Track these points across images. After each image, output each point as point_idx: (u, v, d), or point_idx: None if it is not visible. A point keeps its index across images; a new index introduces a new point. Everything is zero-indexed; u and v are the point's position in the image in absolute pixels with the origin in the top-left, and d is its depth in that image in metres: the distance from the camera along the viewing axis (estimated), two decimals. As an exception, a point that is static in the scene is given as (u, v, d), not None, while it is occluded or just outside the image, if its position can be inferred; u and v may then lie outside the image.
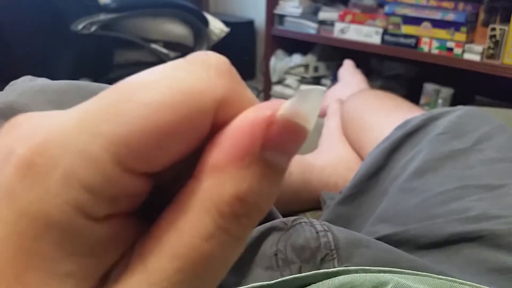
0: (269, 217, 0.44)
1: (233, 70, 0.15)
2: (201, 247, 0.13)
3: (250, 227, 0.13)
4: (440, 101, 1.93)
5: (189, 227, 0.13)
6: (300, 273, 0.35)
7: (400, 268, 0.35)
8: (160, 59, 1.78)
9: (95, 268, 0.13)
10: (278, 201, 0.65)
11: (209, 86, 0.13)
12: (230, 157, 0.13)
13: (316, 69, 2.30)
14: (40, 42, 1.55)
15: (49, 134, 0.13)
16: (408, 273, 0.31)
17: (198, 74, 0.14)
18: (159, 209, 0.14)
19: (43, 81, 0.47)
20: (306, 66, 2.29)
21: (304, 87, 0.14)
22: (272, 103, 0.13)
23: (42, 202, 0.12)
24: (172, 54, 1.82)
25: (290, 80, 2.32)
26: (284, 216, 0.71)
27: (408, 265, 0.35)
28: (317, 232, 0.38)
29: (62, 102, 0.41)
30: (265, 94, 2.45)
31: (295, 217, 0.40)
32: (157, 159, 0.13)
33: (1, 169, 0.13)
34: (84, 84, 0.46)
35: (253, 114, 0.13)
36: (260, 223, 0.39)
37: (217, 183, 0.13)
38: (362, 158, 0.77)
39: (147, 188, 0.14)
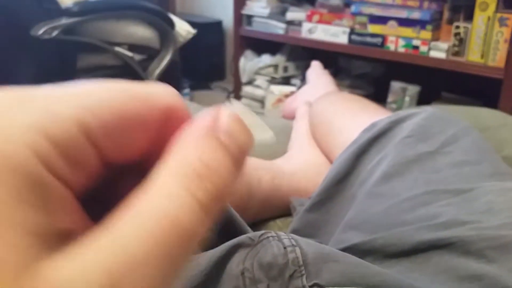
0: (237, 232, 0.43)
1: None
2: (167, 208, 0.13)
3: (215, 198, 0.14)
4: (407, 98, 1.96)
5: (156, 189, 0.14)
6: (267, 291, 0.34)
7: (370, 282, 0.34)
8: (125, 62, 1.74)
9: (49, 225, 0.12)
10: (249, 208, 0.64)
11: (159, 94, 0.16)
12: (191, 131, 0.15)
13: (285, 69, 2.30)
14: (-1, 48, 1.49)
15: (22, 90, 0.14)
16: (377, 290, 0.30)
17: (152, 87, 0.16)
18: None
19: None
20: (275, 66, 2.28)
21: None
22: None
23: (5, 142, 0.12)
24: (137, 56, 1.79)
25: (260, 80, 2.31)
26: (254, 223, 0.70)
27: (377, 278, 0.35)
28: (284, 248, 0.36)
29: None
30: (235, 94, 2.44)
31: (262, 232, 0.39)
32: (118, 142, 0.15)
33: None
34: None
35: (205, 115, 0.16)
36: (227, 239, 0.38)
37: (181, 151, 0.15)
38: (331, 162, 0.76)
39: (102, 172, 0.15)
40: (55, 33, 1.47)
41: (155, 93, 0.16)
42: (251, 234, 0.39)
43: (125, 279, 0.12)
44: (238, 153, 0.15)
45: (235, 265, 0.36)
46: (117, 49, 1.69)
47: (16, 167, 0.12)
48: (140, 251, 0.12)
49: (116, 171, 0.16)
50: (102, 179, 0.15)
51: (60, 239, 0.13)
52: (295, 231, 0.59)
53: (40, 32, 1.44)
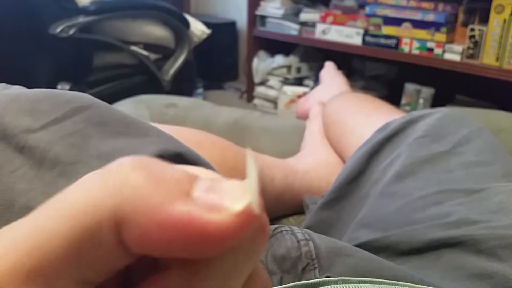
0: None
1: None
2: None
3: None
4: (421, 101, 1.95)
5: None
6: (281, 283, 0.35)
7: (382, 277, 0.35)
8: (141, 62, 1.76)
9: None
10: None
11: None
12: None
13: (298, 70, 2.30)
14: (17, 46, 1.52)
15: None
16: (389, 283, 0.31)
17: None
18: None
19: (17, 89, 0.46)
20: (288, 67, 2.29)
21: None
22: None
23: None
24: (153, 56, 1.81)
25: (273, 81, 2.32)
26: (268, 220, 0.70)
27: (389, 273, 0.35)
28: (298, 241, 0.37)
29: (36, 111, 0.40)
30: (248, 95, 2.45)
31: (276, 226, 0.40)
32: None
33: None
34: (60, 92, 0.45)
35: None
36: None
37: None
38: (344, 161, 0.77)
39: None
40: (72, 31, 1.49)
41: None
42: (265, 228, 0.39)
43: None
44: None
45: (249, 257, 0.36)
46: (133, 48, 1.72)
47: None
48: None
49: None
50: None
51: None
52: (307, 228, 0.60)
53: (58, 30, 1.47)
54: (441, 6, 1.75)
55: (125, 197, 0.12)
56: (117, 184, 0.12)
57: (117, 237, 0.12)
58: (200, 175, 0.14)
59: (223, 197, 0.12)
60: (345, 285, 0.30)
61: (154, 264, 0.13)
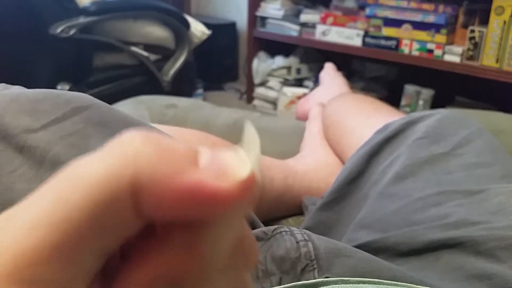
0: (249, 226, 0.43)
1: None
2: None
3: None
4: (420, 102, 1.95)
5: None
6: (280, 284, 0.35)
7: (380, 278, 0.35)
8: (141, 62, 1.76)
9: None
10: (261, 206, 0.64)
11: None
12: None
13: (298, 71, 2.30)
14: (18, 46, 1.52)
15: None
16: (388, 284, 0.31)
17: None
18: None
19: (17, 90, 0.46)
20: (288, 68, 2.29)
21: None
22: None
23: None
24: (152, 56, 1.81)
25: (273, 82, 2.32)
26: (266, 221, 0.70)
27: (388, 274, 0.35)
28: (297, 242, 0.37)
29: (36, 112, 0.40)
30: (248, 96, 2.45)
31: (275, 226, 0.40)
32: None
33: None
34: (60, 92, 0.45)
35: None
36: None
37: None
38: (343, 163, 0.77)
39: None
40: (72, 32, 1.49)
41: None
42: (264, 228, 0.40)
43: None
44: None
45: (248, 257, 0.36)
46: (133, 48, 1.72)
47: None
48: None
49: None
50: None
51: None
52: (307, 229, 0.60)
53: (58, 30, 1.47)
54: (441, 7, 1.75)
55: (142, 167, 0.13)
56: (133, 155, 0.13)
57: (134, 205, 0.13)
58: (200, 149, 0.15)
59: (227, 165, 0.14)
60: (344, 285, 0.30)
61: (151, 235, 0.14)
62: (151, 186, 0.13)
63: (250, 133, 0.16)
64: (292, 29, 2.18)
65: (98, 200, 0.13)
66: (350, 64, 2.24)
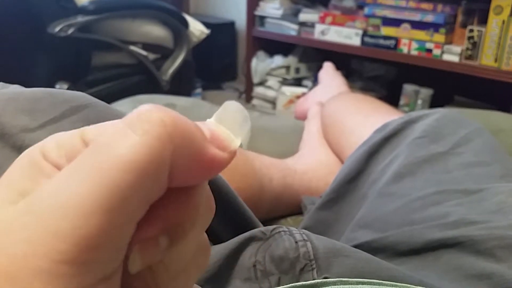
0: (249, 226, 0.43)
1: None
2: (104, 146, 0.15)
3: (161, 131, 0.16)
4: (419, 101, 1.95)
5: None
6: (279, 284, 0.35)
7: (380, 278, 0.35)
8: (139, 61, 1.76)
9: (30, 189, 0.15)
10: (260, 206, 0.64)
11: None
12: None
13: (297, 70, 2.30)
14: (16, 45, 1.52)
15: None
16: (387, 285, 0.31)
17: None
18: None
19: (15, 89, 0.46)
20: (287, 68, 2.29)
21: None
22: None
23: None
24: (151, 55, 1.80)
25: (272, 81, 2.32)
26: (265, 221, 0.70)
27: (387, 274, 0.35)
28: (296, 242, 0.37)
29: (34, 111, 0.40)
30: (247, 95, 2.45)
31: (274, 226, 0.40)
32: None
33: None
34: (58, 92, 0.45)
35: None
36: (239, 233, 0.39)
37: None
38: (342, 162, 0.77)
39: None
40: (71, 31, 1.49)
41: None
42: (263, 228, 0.39)
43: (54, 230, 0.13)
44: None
45: (247, 257, 0.36)
46: (132, 47, 1.71)
47: (27, 154, 0.16)
48: (72, 199, 0.14)
49: None
50: None
51: None
52: (306, 229, 0.59)
53: (57, 29, 1.46)
54: (440, 7, 1.75)
55: (176, 147, 0.15)
56: (168, 138, 0.15)
57: (168, 179, 0.16)
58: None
59: (224, 140, 0.17)
60: (343, 286, 0.30)
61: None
62: (183, 162, 0.16)
63: (233, 109, 0.19)
64: (291, 29, 2.18)
65: (147, 184, 0.15)
66: (349, 63, 2.24)
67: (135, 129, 0.15)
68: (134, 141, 0.15)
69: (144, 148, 0.15)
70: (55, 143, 0.16)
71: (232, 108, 0.19)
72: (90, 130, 0.17)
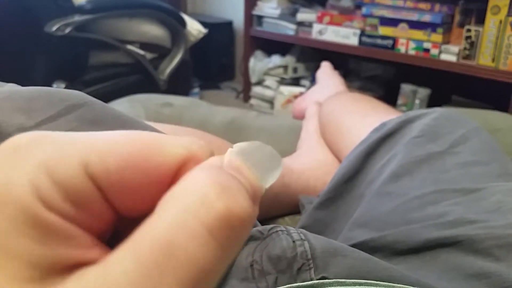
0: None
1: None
2: (168, 236, 0.13)
3: (229, 226, 0.14)
4: (417, 101, 1.96)
5: (158, 218, 0.13)
6: (276, 284, 0.35)
7: (377, 277, 0.34)
8: (137, 60, 1.75)
9: (52, 258, 0.13)
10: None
11: (173, 146, 0.15)
12: (200, 166, 0.15)
13: (295, 70, 2.30)
14: (13, 44, 1.51)
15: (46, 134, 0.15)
16: (384, 285, 0.31)
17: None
18: None
19: (11, 87, 0.45)
20: (285, 67, 2.29)
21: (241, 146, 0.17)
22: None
23: (9, 177, 0.13)
24: (149, 55, 1.80)
25: (270, 81, 2.32)
26: (263, 220, 0.70)
27: (385, 273, 0.35)
28: (293, 241, 0.37)
29: (30, 110, 0.40)
30: (245, 95, 2.45)
31: (271, 226, 0.40)
32: (126, 190, 0.14)
33: None
34: (55, 90, 0.44)
35: None
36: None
37: (190, 180, 0.14)
38: (340, 161, 0.76)
39: (108, 219, 0.15)
40: (68, 30, 1.48)
41: (169, 145, 0.15)
42: (260, 227, 0.39)
43: None
44: (251, 189, 0.15)
45: (244, 257, 0.36)
46: (129, 47, 1.71)
47: (15, 200, 0.13)
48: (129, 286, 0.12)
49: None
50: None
51: (67, 272, 0.13)
52: (303, 228, 0.59)
53: (54, 29, 1.46)
54: (437, 6, 1.75)
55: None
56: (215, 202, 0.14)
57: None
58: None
59: (257, 195, 0.16)
60: (340, 287, 0.29)
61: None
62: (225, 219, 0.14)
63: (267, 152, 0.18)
64: (288, 28, 2.17)
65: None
66: (346, 63, 2.24)
67: (216, 236, 0.13)
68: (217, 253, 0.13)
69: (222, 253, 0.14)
70: (52, 181, 0.13)
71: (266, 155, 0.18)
72: (95, 163, 0.14)
